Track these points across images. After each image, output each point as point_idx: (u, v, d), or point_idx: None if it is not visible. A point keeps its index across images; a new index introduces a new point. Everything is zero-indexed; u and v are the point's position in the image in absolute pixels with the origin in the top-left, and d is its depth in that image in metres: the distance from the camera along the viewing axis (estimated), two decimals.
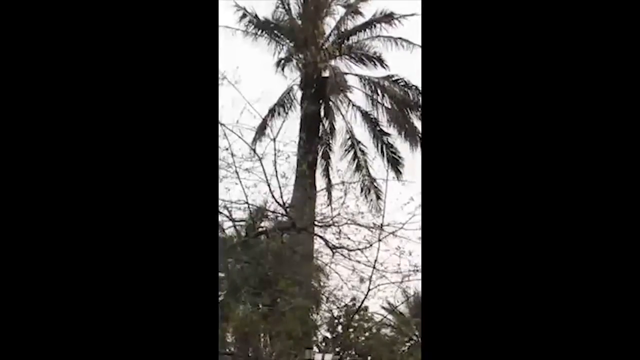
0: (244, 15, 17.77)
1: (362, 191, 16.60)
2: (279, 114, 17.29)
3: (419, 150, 16.88)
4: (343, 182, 12.95)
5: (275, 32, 17.91)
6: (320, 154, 17.48)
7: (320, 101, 17.38)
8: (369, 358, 11.52)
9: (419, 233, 10.83)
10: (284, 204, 11.93)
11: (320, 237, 12.18)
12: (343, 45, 17.80)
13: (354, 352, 11.47)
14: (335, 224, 11.91)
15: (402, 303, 16.50)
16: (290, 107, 17.62)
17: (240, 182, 11.42)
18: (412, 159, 17.06)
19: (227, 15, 17.25)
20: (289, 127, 15.82)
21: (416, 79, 17.05)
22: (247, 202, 11.79)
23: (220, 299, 11.70)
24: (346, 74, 17.50)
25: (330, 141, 17.82)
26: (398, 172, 17.16)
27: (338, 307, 11.70)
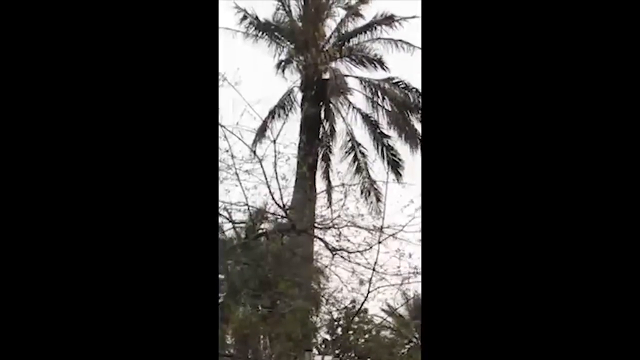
0: (245, 17, 17.78)
1: (362, 193, 16.54)
2: (279, 115, 17.30)
3: (419, 152, 16.91)
4: (343, 184, 12.95)
5: (276, 34, 17.88)
6: (320, 156, 17.46)
7: (321, 103, 17.35)
8: None
9: (418, 235, 10.84)
10: (284, 205, 11.88)
11: (320, 239, 12.13)
12: (343, 48, 17.78)
13: (353, 354, 11.46)
14: (335, 226, 11.87)
15: (402, 305, 16.49)
16: (291, 109, 17.62)
17: (240, 183, 11.42)
18: (412, 161, 17.11)
19: (227, 17, 17.28)
20: (289, 129, 15.79)
21: (417, 82, 17.08)
22: (247, 204, 11.78)
23: (220, 300, 11.70)
24: (346, 76, 17.51)
25: (331, 143, 17.83)
26: (398, 175, 17.20)
27: (338, 309, 11.68)
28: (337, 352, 11.35)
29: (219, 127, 10.70)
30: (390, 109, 17.53)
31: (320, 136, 17.46)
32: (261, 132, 15.83)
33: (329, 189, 14.92)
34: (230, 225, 12.43)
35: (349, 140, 17.82)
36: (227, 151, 11.15)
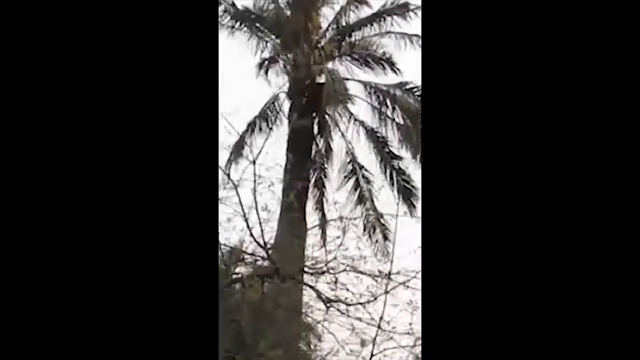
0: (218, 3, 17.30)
1: (365, 229, 16.61)
2: (260, 129, 17.37)
3: None
4: (341, 218, 12.98)
5: (257, 24, 17.92)
6: (312, 181, 17.45)
7: (314, 114, 17.36)
8: None
9: None
10: (265, 244, 11.95)
11: (311, 287, 12.20)
12: (343, 43, 17.81)
13: None
14: (330, 271, 11.95)
15: None
16: (275, 120, 17.65)
17: None
18: None
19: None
20: (273, 147, 14.98)
21: None
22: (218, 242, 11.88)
23: None
24: (347, 79, 17.56)
25: (326, 165, 17.83)
26: (411, 206, 17.22)
27: None
28: None
29: None
30: (402, 123, 17.60)
31: (312, 156, 17.51)
32: (237, 150, 16.09)
33: (323, 224, 14.93)
34: None
35: (349, 162, 17.94)
36: None
